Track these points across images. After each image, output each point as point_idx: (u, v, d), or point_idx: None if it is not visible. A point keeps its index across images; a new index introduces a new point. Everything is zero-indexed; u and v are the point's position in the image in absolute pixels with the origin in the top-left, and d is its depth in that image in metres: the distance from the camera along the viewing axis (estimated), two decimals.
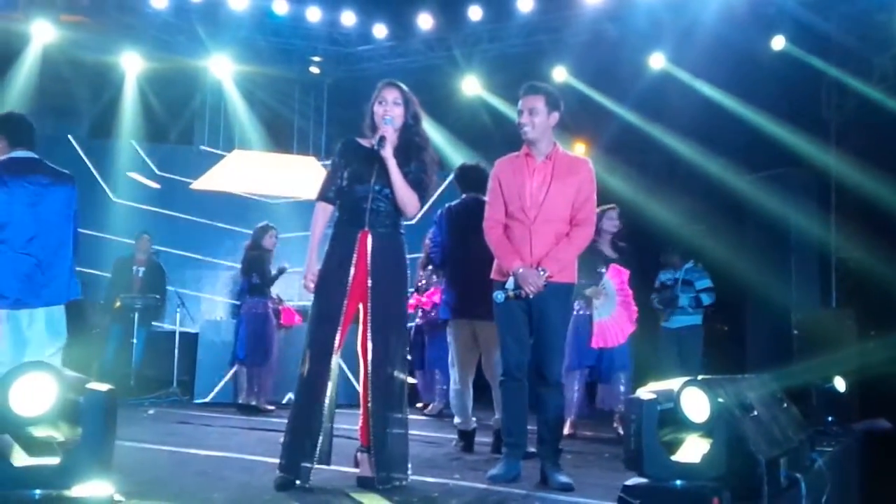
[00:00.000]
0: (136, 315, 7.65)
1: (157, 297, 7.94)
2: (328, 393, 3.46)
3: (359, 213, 3.50)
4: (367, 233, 3.49)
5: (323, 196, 3.63)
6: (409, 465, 3.57)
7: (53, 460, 2.25)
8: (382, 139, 3.45)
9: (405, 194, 3.48)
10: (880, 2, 7.51)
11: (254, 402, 6.89)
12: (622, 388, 5.69)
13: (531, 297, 3.68)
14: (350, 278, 3.47)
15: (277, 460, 3.50)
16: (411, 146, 3.57)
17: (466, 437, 4.88)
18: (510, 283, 3.70)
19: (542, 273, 3.67)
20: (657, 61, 8.75)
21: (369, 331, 3.45)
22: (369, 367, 3.45)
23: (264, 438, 5.21)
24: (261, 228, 7.09)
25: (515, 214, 3.82)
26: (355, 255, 3.47)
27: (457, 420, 4.94)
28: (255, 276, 6.96)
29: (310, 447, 3.40)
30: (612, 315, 5.56)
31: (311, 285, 3.50)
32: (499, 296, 3.71)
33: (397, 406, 3.48)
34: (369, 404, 3.44)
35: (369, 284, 3.46)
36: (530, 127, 3.79)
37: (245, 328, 6.96)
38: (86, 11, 9.00)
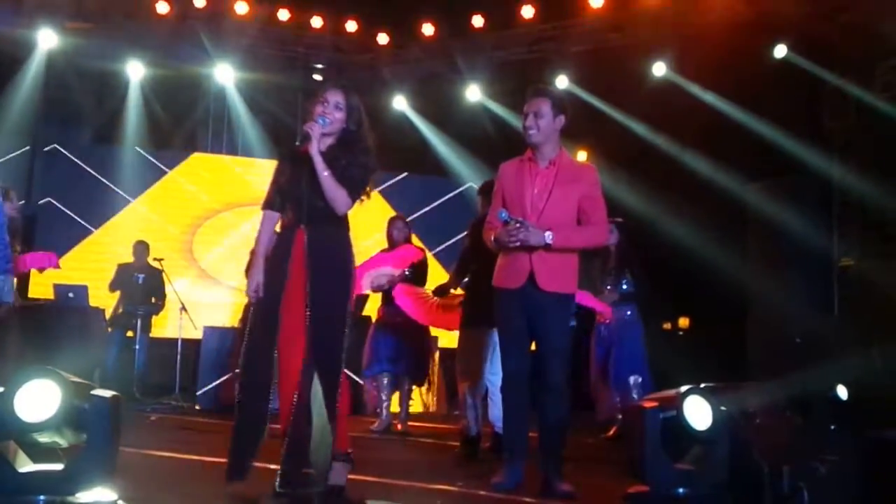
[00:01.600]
0: (139, 322, 7.67)
1: (159, 302, 7.96)
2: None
3: (296, 212, 3.44)
4: (303, 230, 3.41)
5: (267, 203, 3.52)
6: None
7: (58, 466, 2.26)
8: (306, 135, 3.35)
9: (329, 189, 3.35)
10: (882, 10, 7.52)
11: None
12: (634, 395, 5.68)
13: (524, 239, 3.66)
14: (286, 276, 3.39)
15: (278, 467, 3.49)
16: (346, 144, 3.46)
17: (473, 444, 4.86)
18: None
19: (546, 234, 3.65)
20: (659, 70, 8.77)
21: (307, 325, 3.35)
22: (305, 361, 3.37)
23: (268, 445, 5.21)
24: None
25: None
26: (292, 253, 3.40)
27: (472, 427, 4.89)
28: None
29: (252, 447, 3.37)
30: None
31: (254, 295, 3.41)
32: (503, 214, 3.71)
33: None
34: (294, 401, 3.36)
35: (308, 279, 3.36)
36: (535, 130, 3.76)
37: None
38: (90, 18, 9.04)
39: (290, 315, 3.38)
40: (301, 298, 3.37)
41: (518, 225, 3.66)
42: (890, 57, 7.63)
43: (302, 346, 3.36)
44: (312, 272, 3.36)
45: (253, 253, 3.53)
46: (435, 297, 5.45)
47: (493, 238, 3.85)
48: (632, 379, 5.88)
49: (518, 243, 3.69)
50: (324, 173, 3.34)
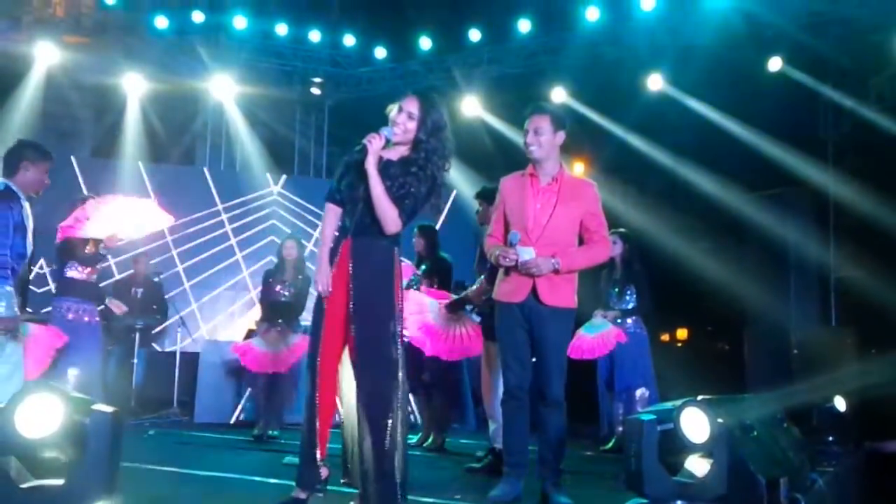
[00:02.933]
0: (137, 335, 7.66)
1: (158, 316, 7.95)
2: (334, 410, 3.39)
3: (348, 220, 3.38)
4: (350, 241, 3.34)
5: (329, 197, 3.49)
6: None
7: (58, 482, 2.26)
8: (363, 147, 3.29)
9: (381, 207, 3.26)
10: (875, 23, 7.59)
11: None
12: (639, 409, 5.66)
13: (532, 271, 3.70)
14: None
15: (277, 480, 3.49)
16: (413, 161, 3.36)
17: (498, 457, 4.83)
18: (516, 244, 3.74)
19: (553, 262, 3.70)
20: (655, 82, 8.82)
21: (352, 339, 3.28)
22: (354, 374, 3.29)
23: (266, 460, 5.21)
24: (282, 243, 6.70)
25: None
26: (336, 264, 3.34)
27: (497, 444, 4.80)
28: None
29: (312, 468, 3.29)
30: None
31: (322, 289, 3.36)
32: (515, 237, 3.75)
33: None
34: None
35: (350, 291, 3.29)
36: (536, 146, 3.82)
37: None
38: (89, 33, 9.08)
39: (330, 326, 3.31)
40: (341, 309, 3.30)
41: (521, 261, 3.71)
42: (883, 69, 7.69)
43: (337, 356, 3.31)
44: (355, 282, 3.29)
45: (320, 248, 3.47)
46: (448, 313, 5.25)
47: (493, 254, 3.89)
48: (638, 393, 5.88)
49: (511, 265, 3.75)
50: (377, 189, 3.26)
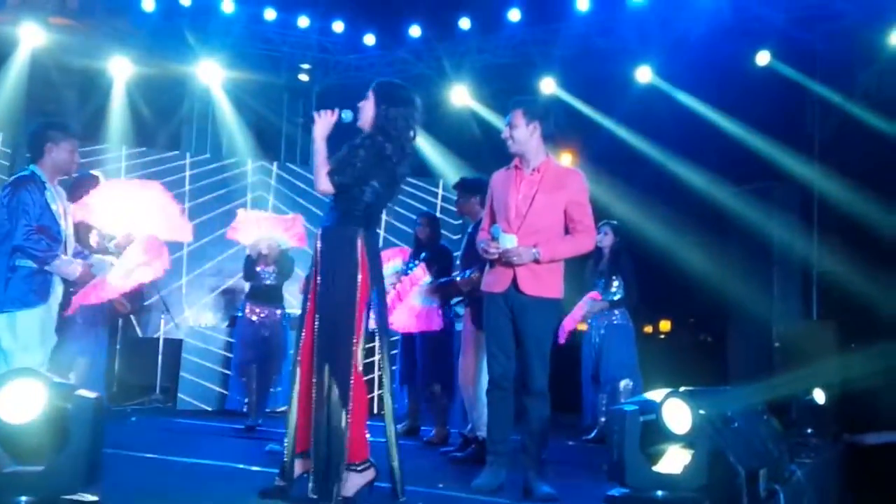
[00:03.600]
0: (120, 320, 7.62)
1: (142, 303, 7.91)
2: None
3: None
4: (320, 229, 3.48)
5: None
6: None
7: (40, 467, 2.25)
8: (310, 118, 3.49)
9: (314, 165, 3.44)
10: (863, 19, 7.63)
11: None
12: (623, 400, 5.68)
13: (513, 259, 3.74)
14: (311, 282, 3.46)
15: (260, 468, 3.50)
16: (365, 136, 3.47)
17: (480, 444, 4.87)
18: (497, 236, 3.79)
19: (534, 251, 3.73)
20: (644, 74, 8.83)
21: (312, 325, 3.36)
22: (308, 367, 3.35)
23: (249, 447, 5.21)
24: None
25: (500, 225, 3.87)
26: (314, 256, 3.47)
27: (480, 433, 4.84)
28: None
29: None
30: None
31: None
32: (496, 229, 3.80)
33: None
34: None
35: (318, 283, 3.38)
36: (511, 141, 3.89)
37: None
38: (75, 15, 8.97)
39: (310, 317, 3.40)
40: (312, 303, 3.40)
41: (501, 249, 3.76)
42: (870, 65, 7.73)
43: (308, 349, 3.35)
44: (321, 269, 3.40)
45: None
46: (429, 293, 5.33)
47: (479, 246, 3.95)
48: (622, 384, 5.91)
49: (495, 256, 3.80)
50: (316, 151, 3.43)
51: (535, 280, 3.78)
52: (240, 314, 6.53)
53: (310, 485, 3.23)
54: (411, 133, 3.51)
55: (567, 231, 3.89)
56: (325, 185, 3.41)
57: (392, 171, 3.45)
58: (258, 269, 6.32)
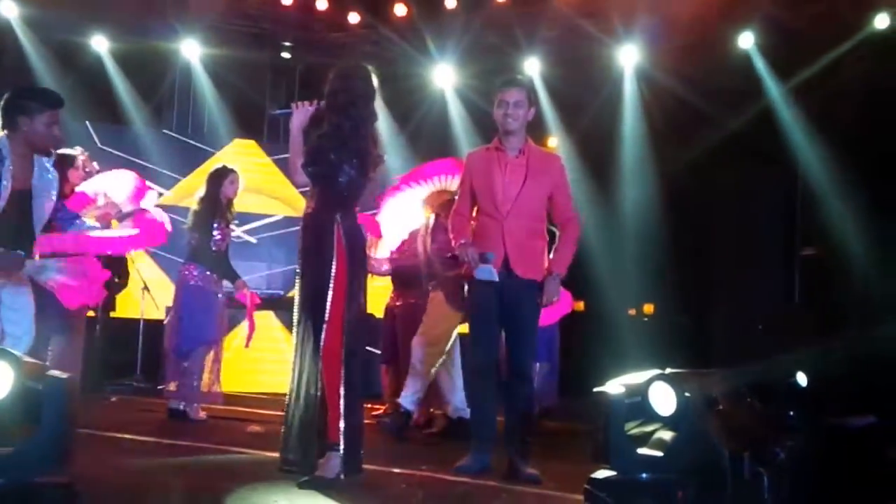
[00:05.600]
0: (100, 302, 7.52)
1: (121, 280, 7.80)
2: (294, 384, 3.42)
3: None
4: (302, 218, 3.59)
5: None
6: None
7: (8, 449, 2.19)
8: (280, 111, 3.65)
9: (290, 158, 3.52)
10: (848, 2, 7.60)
11: None
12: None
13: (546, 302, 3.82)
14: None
15: (241, 450, 3.47)
16: (329, 122, 3.50)
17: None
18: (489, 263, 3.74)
19: (557, 279, 3.79)
20: (630, 56, 8.76)
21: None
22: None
23: (230, 427, 5.17)
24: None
25: (486, 209, 3.83)
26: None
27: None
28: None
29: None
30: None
31: None
32: (489, 256, 3.75)
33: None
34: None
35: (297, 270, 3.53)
36: (513, 119, 3.80)
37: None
38: None
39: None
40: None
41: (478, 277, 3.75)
42: (856, 49, 7.71)
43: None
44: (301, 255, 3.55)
45: None
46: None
47: (461, 244, 3.84)
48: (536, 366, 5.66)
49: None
50: (292, 142, 3.48)
51: (526, 263, 3.77)
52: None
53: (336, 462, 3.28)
54: (371, 110, 3.52)
55: (549, 217, 3.90)
56: (300, 177, 3.48)
57: (361, 152, 3.45)
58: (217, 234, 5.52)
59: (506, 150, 3.85)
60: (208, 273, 5.41)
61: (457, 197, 4.07)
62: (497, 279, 3.71)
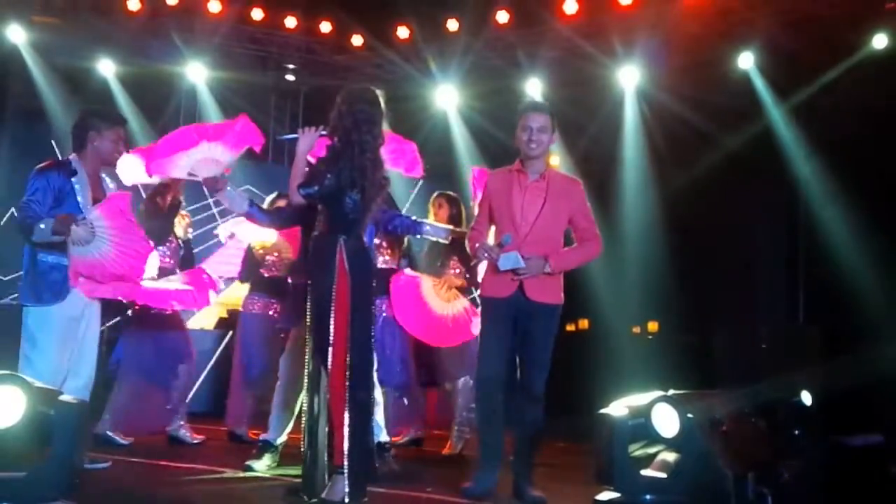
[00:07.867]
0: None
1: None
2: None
3: None
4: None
5: None
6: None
7: (20, 474, 2.21)
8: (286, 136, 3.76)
9: (290, 179, 3.60)
10: (848, 22, 7.65)
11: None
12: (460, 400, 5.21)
13: (522, 273, 3.72)
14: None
15: (243, 473, 3.51)
16: (333, 146, 3.62)
17: None
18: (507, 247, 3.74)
19: (545, 265, 3.73)
20: (631, 76, 8.82)
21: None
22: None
23: (231, 450, 5.17)
24: None
25: (504, 230, 3.84)
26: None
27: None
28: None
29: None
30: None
31: None
32: (507, 238, 3.74)
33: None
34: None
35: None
36: (537, 145, 3.83)
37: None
38: (59, 14, 8.88)
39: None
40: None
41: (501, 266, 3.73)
42: (855, 67, 7.76)
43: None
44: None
45: None
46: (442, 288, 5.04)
47: (476, 246, 3.88)
48: (461, 382, 5.27)
49: (488, 260, 3.80)
50: (299, 158, 3.61)
51: (540, 287, 3.78)
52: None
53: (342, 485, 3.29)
54: (376, 134, 3.59)
55: (568, 240, 3.92)
56: (295, 197, 3.56)
57: (365, 175, 3.51)
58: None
59: (527, 172, 3.88)
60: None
61: (476, 215, 4.11)
62: (523, 263, 3.69)
